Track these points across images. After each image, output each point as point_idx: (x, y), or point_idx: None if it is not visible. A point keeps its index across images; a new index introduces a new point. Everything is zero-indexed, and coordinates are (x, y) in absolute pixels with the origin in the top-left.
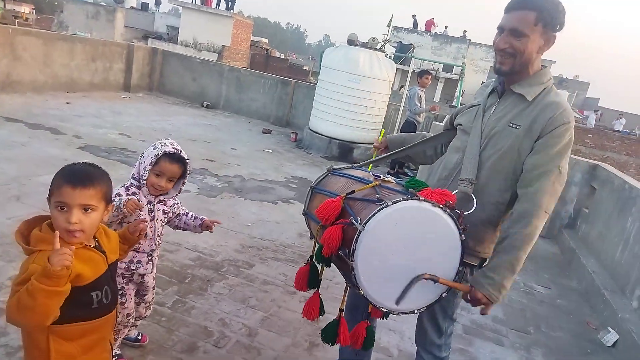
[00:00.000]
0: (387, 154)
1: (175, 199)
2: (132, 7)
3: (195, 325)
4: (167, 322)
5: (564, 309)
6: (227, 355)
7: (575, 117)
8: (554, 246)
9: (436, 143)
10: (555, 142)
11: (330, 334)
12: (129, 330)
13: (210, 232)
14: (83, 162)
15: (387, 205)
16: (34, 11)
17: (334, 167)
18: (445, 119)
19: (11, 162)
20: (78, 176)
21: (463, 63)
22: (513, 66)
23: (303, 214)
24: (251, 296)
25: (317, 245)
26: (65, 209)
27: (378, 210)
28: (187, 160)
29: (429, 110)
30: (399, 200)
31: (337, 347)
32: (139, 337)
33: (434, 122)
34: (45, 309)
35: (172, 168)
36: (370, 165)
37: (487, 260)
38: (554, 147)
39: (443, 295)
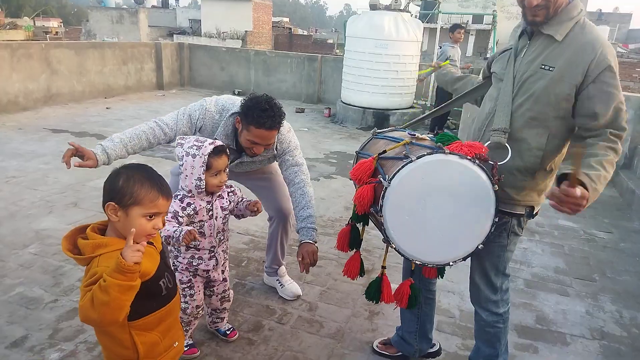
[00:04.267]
0: (435, 109)
1: (229, 187)
2: (153, 6)
3: (257, 305)
4: (231, 304)
5: (628, 252)
6: (292, 330)
7: (619, 51)
8: (611, 189)
9: (483, 92)
10: (614, 88)
11: (372, 292)
12: (216, 323)
13: (256, 212)
14: (146, 167)
15: (412, 161)
16: (62, 24)
17: (377, 130)
18: (483, 68)
19: (64, 170)
20: (167, 187)
21: (494, 11)
22: (547, 15)
23: (350, 178)
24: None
25: (354, 206)
26: (154, 217)
27: (403, 166)
28: (227, 145)
29: (463, 68)
30: (424, 155)
31: (397, 313)
32: (228, 332)
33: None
34: (120, 304)
35: (223, 161)
36: (424, 75)
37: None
38: (615, 94)
39: (479, 247)
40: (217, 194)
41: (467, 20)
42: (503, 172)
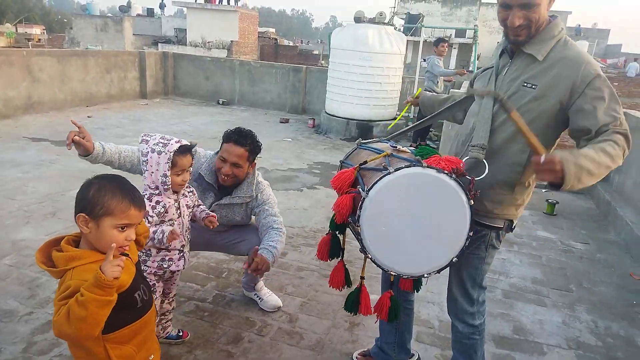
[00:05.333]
0: (417, 122)
1: (190, 187)
2: (138, 15)
3: (237, 317)
4: (210, 316)
5: (604, 263)
6: (271, 342)
7: (599, 66)
8: (589, 201)
9: (466, 106)
10: (599, 98)
11: (350, 303)
12: (166, 328)
13: (212, 227)
14: (118, 177)
15: (390, 173)
16: (45, 31)
17: (362, 141)
18: (467, 83)
19: (42, 180)
20: (140, 198)
21: (475, 26)
22: (529, 34)
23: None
24: (287, 283)
25: (332, 215)
26: (125, 228)
27: (381, 178)
28: (195, 144)
29: (455, 74)
30: (401, 168)
31: (377, 324)
32: (180, 334)
33: (451, 90)
34: (97, 319)
35: (188, 160)
36: (395, 121)
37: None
38: (602, 102)
39: (454, 260)
40: (182, 193)
41: (450, 34)
42: (484, 186)
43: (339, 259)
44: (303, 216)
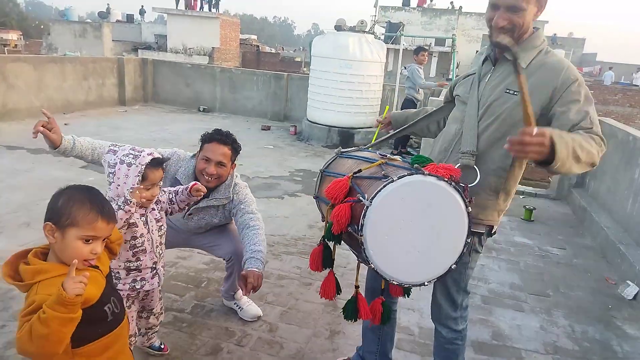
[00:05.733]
0: (392, 133)
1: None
2: (117, 21)
3: (216, 327)
4: (188, 327)
5: (581, 268)
6: (251, 353)
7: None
8: (565, 207)
9: (438, 117)
10: (575, 101)
11: (350, 311)
12: (150, 339)
13: (200, 194)
14: (89, 188)
15: (393, 181)
16: (22, 37)
17: (342, 150)
18: (445, 92)
19: (17, 189)
20: (109, 210)
21: (453, 35)
22: (512, 38)
23: (314, 197)
24: (268, 292)
25: (327, 224)
26: (91, 241)
27: (384, 186)
28: (168, 158)
29: (436, 86)
30: (404, 175)
31: (358, 332)
32: (162, 346)
33: (430, 97)
34: (60, 336)
35: (159, 173)
36: (373, 141)
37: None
38: (576, 104)
39: (452, 267)
40: (150, 207)
41: (430, 43)
42: (470, 192)
43: (330, 269)
44: (284, 224)
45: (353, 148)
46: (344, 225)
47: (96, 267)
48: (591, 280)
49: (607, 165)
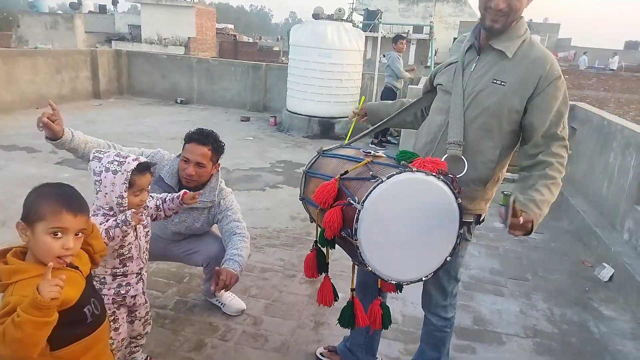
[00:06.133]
0: (370, 129)
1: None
2: (90, 12)
3: (200, 323)
4: (171, 323)
5: (558, 252)
6: (235, 347)
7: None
8: None
9: (416, 109)
10: (554, 100)
11: (347, 318)
12: (134, 353)
13: (191, 202)
14: (62, 184)
15: (382, 181)
16: None
17: (324, 148)
18: (425, 81)
19: None
20: (76, 202)
21: (431, 22)
22: (505, 24)
23: (300, 199)
24: (251, 285)
25: (319, 230)
26: (60, 235)
27: (374, 187)
28: (154, 163)
29: (411, 75)
30: (393, 175)
31: None
32: None
33: (409, 86)
34: (34, 340)
35: (147, 179)
36: (349, 133)
37: (531, 191)
38: (554, 105)
39: (447, 260)
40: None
41: (408, 30)
42: (459, 184)
43: (324, 274)
44: (266, 216)
45: (334, 146)
46: (337, 229)
47: (76, 267)
48: (569, 263)
49: (583, 149)
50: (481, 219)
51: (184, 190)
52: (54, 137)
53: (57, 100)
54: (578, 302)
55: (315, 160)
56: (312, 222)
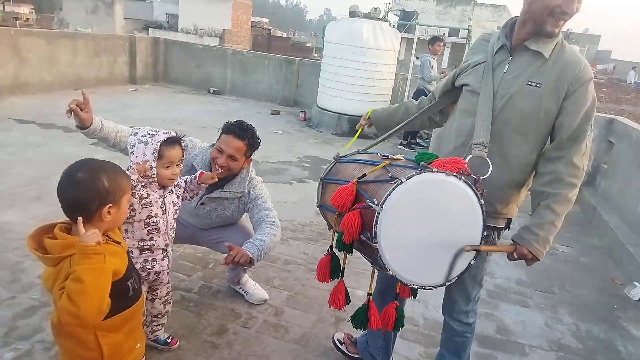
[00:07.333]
0: (388, 133)
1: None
2: None
3: (223, 308)
4: (195, 307)
5: (587, 267)
6: (256, 335)
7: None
8: (574, 205)
9: (434, 111)
10: (584, 101)
11: (360, 320)
12: (155, 331)
13: (209, 182)
14: (98, 161)
15: (402, 182)
16: (34, 11)
17: (340, 155)
18: (446, 80)
19: (28, 163)
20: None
21: (469, 26)
22: (560, 29)
23: (318, 206)
24: (274, 276)
25: (336, 234)
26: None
27: (393, 189)
28: (183, 135)
29: (441, 78)
30: (413, 175)
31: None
32: (169, 340)
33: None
34: (98, 290)
35: (176, 152)
36: (348, 145)
37: (532, 217)
38: (583, 107)
39: (472, 263)
40: (169, 189)
41: (444, 33)
42: (494, 188)
43: (339, 278)
44: (292, 209)
45: (352, 152)
46: (356, 233)
47: (118, 242)
48: (597, 279)
49: (620, 165)
50: (510, 223)
51: (201, 170)
52: (82, 125)
53: (94, 83)
54: (606, 320)
55: (332, 166)
56: (329, 229)
